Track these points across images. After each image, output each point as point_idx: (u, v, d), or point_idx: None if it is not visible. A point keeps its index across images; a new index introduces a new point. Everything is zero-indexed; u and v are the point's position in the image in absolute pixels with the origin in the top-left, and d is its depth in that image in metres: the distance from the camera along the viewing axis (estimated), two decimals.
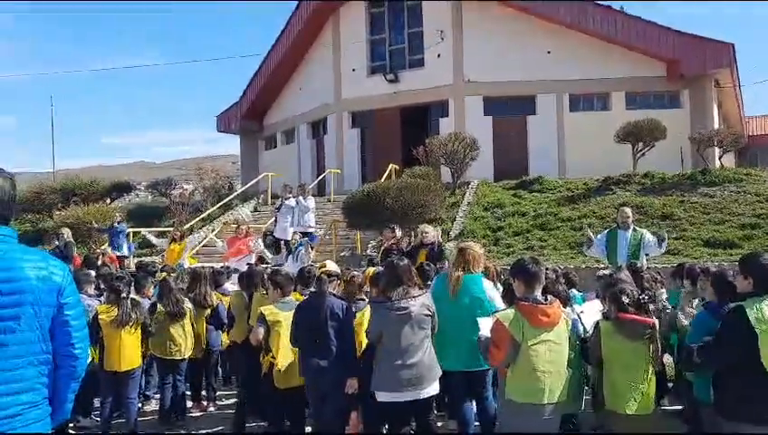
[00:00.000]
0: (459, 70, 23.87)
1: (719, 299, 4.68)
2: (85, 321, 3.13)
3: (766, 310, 4.00)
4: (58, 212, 22.11)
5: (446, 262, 9.65)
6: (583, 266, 12.70)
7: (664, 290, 7.69)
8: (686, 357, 4.32)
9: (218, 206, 21.94)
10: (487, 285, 5.64)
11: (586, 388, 5.59)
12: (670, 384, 7.51)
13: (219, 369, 8.95)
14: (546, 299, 4.37)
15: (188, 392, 7.92)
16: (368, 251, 15.75)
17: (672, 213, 15.76)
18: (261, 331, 5.93)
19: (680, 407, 7.01)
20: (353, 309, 5.66)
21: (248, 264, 8.46)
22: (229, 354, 8.41)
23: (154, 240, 16.54)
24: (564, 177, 20.74)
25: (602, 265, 10.81)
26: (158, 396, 7.83)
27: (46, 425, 2.85)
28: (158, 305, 7.38)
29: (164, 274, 8.06)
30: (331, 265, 6.13)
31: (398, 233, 11.22)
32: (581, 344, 4.89)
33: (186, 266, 10.42)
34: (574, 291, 7.11)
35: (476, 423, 5.88)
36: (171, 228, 17.75)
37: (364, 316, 5.62)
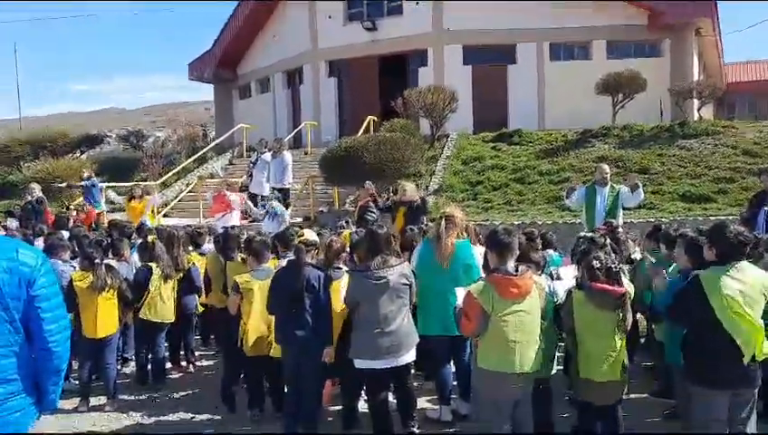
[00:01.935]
0: (438, 18, 23.58)
1: (692, 265, 4.83)
2: (63, 311, 3.03)
3: (726, 280, 4.16)
4: (27, 165, 21.82)
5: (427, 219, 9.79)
6: (561, 222, 12.91)
7: (638, 249, 7.88)
8: (652, 318, 4.46)
9: (193, 159, 21.78)
10: (476, 251, 5.71)
11: (558, 355, 5.75)
12: (642, 340, 7.77)
13: (197, 331, 9.05)
14: (517, 270, 4.48)
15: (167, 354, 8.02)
16: (345, 206, 15.84)
17: (650, 166, 15.95)
18: (236, 299, 6.00)
19: (651, 363, 7.29)
20: (331, 277, 5.73)
21: (223, 228, 8.42)
22: (206, 317, 8.54)
23: (114, 196, 16.26)
24: (544, 129, 20.81)
25: (579, 221, 11.03)
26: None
27: (28, 414, 2.84)
28: (154, 268, 7.32)
29: (152, 237, 8.01)
30: (310, 234, 6.15)
31: (373, 189, 11.28)
32: (555, 313, 5.03)
33: (148, 226, 10.25)
34: (551, 252, 7.20)
35: (453, 383, 6.06)
36: (145, 183, 17.57)
37: (341, 284, 5.71)
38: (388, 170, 14.90)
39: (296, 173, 17.55)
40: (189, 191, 20.03)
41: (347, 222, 10.04)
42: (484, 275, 4.82)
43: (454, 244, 5.65)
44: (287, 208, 13.69)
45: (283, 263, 5.86)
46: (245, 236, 6.72)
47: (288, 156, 15.70)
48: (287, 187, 15.52)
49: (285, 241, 6.22)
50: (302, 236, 6.03)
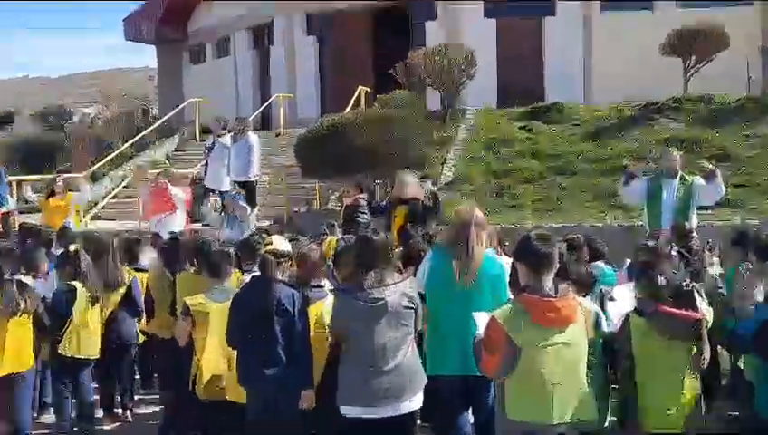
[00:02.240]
0: None
1: None
2: None
3: None
4: None
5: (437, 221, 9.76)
6: (615, 225, 12.89)
7: (717, 261, 7.84)
8: (733, 348, 4.41)
9: (131, 143, 21.79)
10: (505, 262, 5.68)
11: (612, 400, 5.70)
12: (724, 381, 7.68)
13: (136, 367, 9.00)
14: (557, 290, 4.46)
15: (96, 397, 7.95)
16: (329, 206, 15.82)
17: (733, 151, 15.91)
18: (186, 326, 5.99)
19: (735, 412, 7.22)
20: (308, 298, 5.71)
21: (171, 233, 8.39)
22: (147, 349, 8.49)
23: (28, 193, 16.11)
24: (591, 102, 20.80)
25: (640, 223, 10.98)
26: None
27: None
28: (78, 288, 7.24)
29: (76, 245, 7.93)
30: (280, 242, 6.11)
31: (365, 183, 11.35)
32: (606, 344, 5.00)
33: (73, 231, 10.10)
34: (601, 265, 7.20)
35: None
36: (68, 174, 17.46)
37: (322, 308, 5.69)
38: (386, 158, 14.73)
39: (264, 162, 17.46)
40: (126, 186, 20.01)
41: (331, 226, 10.01)
42: (512, 295, 4.81)
43: (482, 255, 5.61)
44: (253, 208, 13.63)
45: (247, 279, 5.82)
46: (199, 245, 6.69)
47: (254, 139, 15.52)
48: (252, 179, 15.34)
49: (250, 251, 6.22)
50: (271, 244, 5.98)
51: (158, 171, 14.65)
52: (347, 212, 10.93)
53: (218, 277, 6.05)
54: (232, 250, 6.35)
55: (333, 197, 16.36)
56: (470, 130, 19.04)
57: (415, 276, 5.85)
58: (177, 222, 12.54)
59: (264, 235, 7.02)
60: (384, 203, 10.78)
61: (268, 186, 17.19)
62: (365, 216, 10.61)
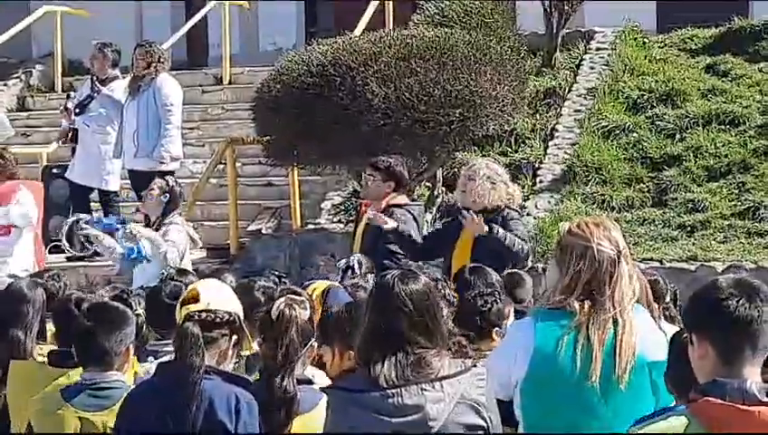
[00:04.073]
0: None
1: None
2: None
3: None
4: None
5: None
6: None
7: None
8: None
9: None
10: (669, 332, 4.07)
11: None
12: None
13: None
14: None
15: None
16: (321, 219, 11.79)
17: None
18: None
19: None
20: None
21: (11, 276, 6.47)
22: None
23: None
24: None
25: None
26: None
27: None
28: None
29: None
30: (214, 295, 4.21)
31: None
32: None
33: None
34: None
35: None
36: None
37: (315, 423, 3.99)
38: (434, 127, 9.98)
39: (195, 131, 13.17)
40: None
41: (356, 265, 6.66)
42: (684, 402, 3.21)
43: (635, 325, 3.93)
44: (168, 232, 8.61)
45: (152, 368, 4.36)
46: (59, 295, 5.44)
47: (171, 89, 10.55)
48: (169, 167, 10.37)
49: (157, 311, 4.88)
50: (195, 298, 4.14)
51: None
52: (369, 234, 7.63)
53: (96, 364, 4.33)
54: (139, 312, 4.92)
55: (329, 202, 11.94)
56: (602, 73, 13.10)
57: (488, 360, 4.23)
58: (19, 259, 8.64)
59: (191, 277, 5.50)
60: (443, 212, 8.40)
61: (200, 181, 11.62)
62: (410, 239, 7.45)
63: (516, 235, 7.19)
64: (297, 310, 4.12)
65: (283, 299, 4.24)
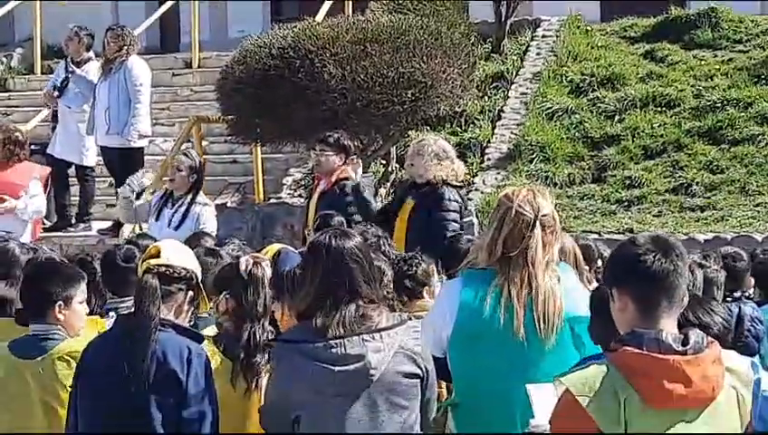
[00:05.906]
0: None
1: None
2: None
3: None
4: None
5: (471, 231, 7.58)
6: None
7: None
8: None
9: None
10: (585, 295, 4.12)
11: None
12: None
13: None
14: (686, 341, 3.11)
15: None
16: (284, 193, 12.27)
17: None
18: None
19: None
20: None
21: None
22: None
23: None
24: None
25: None
26: None
27: None
28: None
29: None
30: (173, 252, 4.33)
31: (355, 161, 8.26)
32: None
33: None
34: None
35: None
36: None
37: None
38: (389, 107, 10.39)
39: (165, 111, 13.60)
40: None
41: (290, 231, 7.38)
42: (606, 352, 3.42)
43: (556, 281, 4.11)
44: (139, 194, 9.10)
45: (110, 323, 4.47)
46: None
47: (141, 70, 11.10)
48: (138, 144, 11.04)
49: (111, 271, 4.94)
50: (156, 255, 4.26)
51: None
52: (319, 206, 7.86)
53: (34, 316, 4.32)
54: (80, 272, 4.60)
55: (291, 177, 12.45)
56: (547, 58, 13.76)
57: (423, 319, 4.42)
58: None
59: (150, 240, 5.43)
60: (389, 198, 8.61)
61: (168, 158, 11.63)
62: (348, 216, 7.57)
63: (448, 209, 7.48)
64: (263, 266, 4.39)
65: (247, 257, 4.50)
